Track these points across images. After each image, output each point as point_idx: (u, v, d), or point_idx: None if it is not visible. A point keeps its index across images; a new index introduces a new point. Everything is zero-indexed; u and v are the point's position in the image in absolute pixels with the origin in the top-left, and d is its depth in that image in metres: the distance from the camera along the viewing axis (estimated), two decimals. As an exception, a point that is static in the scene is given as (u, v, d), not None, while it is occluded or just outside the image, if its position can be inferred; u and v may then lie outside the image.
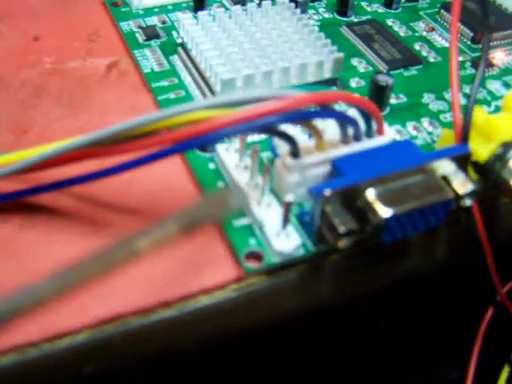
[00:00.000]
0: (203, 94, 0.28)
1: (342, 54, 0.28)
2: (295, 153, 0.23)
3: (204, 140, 0.20)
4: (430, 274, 0.25)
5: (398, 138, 0.27)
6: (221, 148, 0.25)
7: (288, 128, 0.22)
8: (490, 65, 0.32)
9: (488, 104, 0.30)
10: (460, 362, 0.29)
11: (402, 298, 0.26)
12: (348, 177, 0.22)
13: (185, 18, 0.30)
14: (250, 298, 0.22)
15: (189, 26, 0.29)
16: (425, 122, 0.28)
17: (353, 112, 0.24)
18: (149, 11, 0.34)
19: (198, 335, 0.21)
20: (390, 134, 0.24)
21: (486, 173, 0.24)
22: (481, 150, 0.24)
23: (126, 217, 0.23)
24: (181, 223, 0.19)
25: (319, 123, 0.23)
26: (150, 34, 0.32)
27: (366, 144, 0.23)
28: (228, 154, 0.25)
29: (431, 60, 0.32)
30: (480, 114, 0.25)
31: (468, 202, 0.23)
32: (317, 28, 0.29)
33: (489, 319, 0.29)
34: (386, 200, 0.21)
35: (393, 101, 0.29)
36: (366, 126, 0.24)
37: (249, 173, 0.24)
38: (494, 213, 0.26)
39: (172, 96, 0.29)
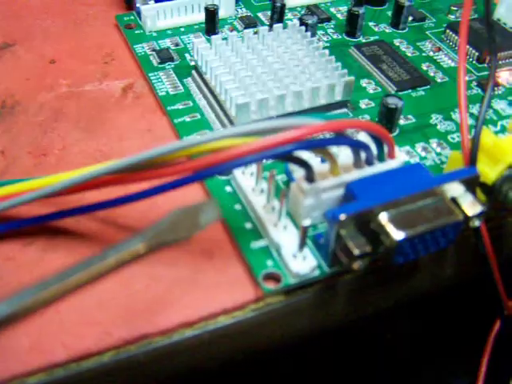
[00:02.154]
0: (218, 117, 0.29)
1: (352, 78, 0.29)
2: (310, 177, 0.24)
3: (223, 168, 0.21)
4: (439, 290, 0.26)
5: (408, 160, 0.28)
6: (237, 172, 0.26)
7: (303, 153, 0.23)
8: (495, 84, 0.33)
9: (494, 124, 0.30)
10: (469, 374, 0.30)
11: (412, 315, 0.27)
12: (361, 201, 0.22)
13: (198, 42, 0.30)
14: (268, 318, 0.23)
15: (203, 50, 0.30)
16: (433, 142, 0.29)
17: (364, 136, 0.24)
18: (162, 33, 0.35)
19: (218, 354, 0.22)
20: (401, 157, 0.25)
21: (493, 194, 0.25)
22: (488, 171, 0.25)
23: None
24: (147, 240, 0.19)
25: (333, 148, 0.24)
26: (165, 56, 0.33)
27: (378, 168, 0.24)
28: (244, 177, 0.26)
29: (438, 80, 0.33)
30: (487, 136, 0.25)
31: (477, 223, 0.24)
32: (327, 51, 0.30)
33: (496, 331, 0.30)
34: (398, 223, 0.22)
35: (401, 122, 0.30)
36: (377, 150, 0.24)
37: (265, 196, 0.25)
38: (501, 231, 0.27)
39: (187, 119, 0.29)
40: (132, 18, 0.37)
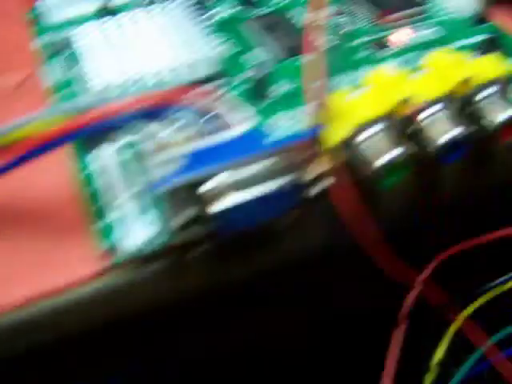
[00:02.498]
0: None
1: (219, 50, 0.29)
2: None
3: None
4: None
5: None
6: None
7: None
8: (385, 45, 0.32)
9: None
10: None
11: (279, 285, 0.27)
12: (191, 169, 0.23)
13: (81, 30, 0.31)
14: (112, 291, 0.23)
15: (80, 40, 0.31)
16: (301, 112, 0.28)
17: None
18: (63, 24, 0.36)
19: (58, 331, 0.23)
20: (245, 124, 0.25)
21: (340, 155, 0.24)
22: (338, 130, 0.24)
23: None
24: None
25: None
26: (60, 47, 0.34)
27: (219, 137, 0.24)
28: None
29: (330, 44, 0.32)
30: (340, 97, 0.25)
31: (322, 185, 0.24)
32: (202, 26, 0.30)
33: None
34: (225, 190, 0.22)
35: (280, 89, 0.30)
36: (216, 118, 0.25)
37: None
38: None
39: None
40: (36, 12, 0.37)
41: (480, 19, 0.34)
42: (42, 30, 0.36)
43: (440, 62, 0.26)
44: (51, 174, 0.26)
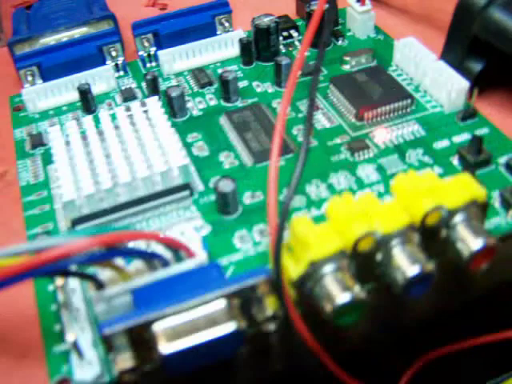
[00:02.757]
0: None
1: (187, 161, 0.28)
2: (100, 285, 0.23)
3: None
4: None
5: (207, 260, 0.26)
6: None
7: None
8: (365, 146, 0.31)
9: (353, 192, 0.29)
10: None
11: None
12: (136, 312, 0.22)
13: (53, 130, 0.31)
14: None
15: (54, 140, 0.30)
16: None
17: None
18: (44, 115, 0.36)
19: None
20: (201, 256, 0.24)
21: (299, 292, 0.24)
22: (292, 268, 0.23)
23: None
24: None
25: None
26: (36, 142, 0.34)
27: (170, 270, 0.24)
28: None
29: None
30: (300, 224, 0.24)
31: (271, 327, 0.23)
32: (172, 130, 0.30)
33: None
34: (169, 335, 0.21)
35: (247, 201, 0.29)
36: (173, 254, 0.24)
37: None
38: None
39: (37, 211, 0.30)
40: (22, 98, 0.37)
41: (468, 114, 0.32)
42: (22, 121, 0.36)
43: (405, 189, 0.25)
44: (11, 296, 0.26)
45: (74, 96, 0.36)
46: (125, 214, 0.28)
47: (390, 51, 0.37)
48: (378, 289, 0.24)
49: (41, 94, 0.36)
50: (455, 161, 0.30)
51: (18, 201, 0.31)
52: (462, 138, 0.31)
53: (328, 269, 0.23)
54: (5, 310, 0.26)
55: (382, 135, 0.32)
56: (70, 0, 0.40)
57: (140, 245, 0.24)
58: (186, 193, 0.29)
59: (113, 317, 0.22)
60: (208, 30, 0.38)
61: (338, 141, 0.32)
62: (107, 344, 0.21)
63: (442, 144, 0.31)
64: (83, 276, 0.23)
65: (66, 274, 0.23)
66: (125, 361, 0.21)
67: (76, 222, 0.28)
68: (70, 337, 0.22)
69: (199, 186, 0.30)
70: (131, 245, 0.23)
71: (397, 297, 0.24)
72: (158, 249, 0.24)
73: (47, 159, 0.33)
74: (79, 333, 0.24)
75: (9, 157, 0.34)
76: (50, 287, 0.26)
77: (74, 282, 0.26)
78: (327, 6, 0.29)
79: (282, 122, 0.25)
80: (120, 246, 0.22)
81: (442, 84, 0.33)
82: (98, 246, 0.22)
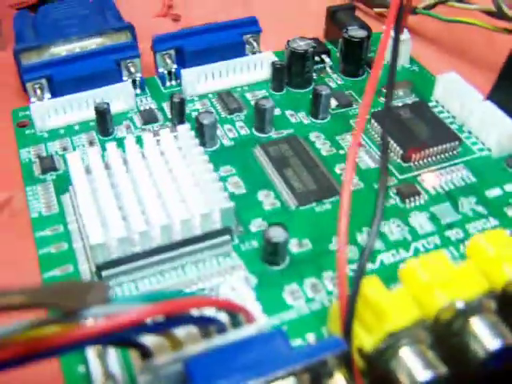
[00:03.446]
0: (85, 249, 0.26)
1: (231, 205, 0.25)
2: (146, 354, 0.20)
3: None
4: None
5: (269, 324, 0.24)
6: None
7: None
8: (416, 192, 0.29)
9: (406, 247, 0.26)
10: None
11: None
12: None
13: (72, 157, 0.27)
14: None
15: (74, 168, 0.27)
16: (327, 277, 0.25)
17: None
18: (53, 133, 0.32)
19: None
20: (261, 321, 0.21)
21: (371, 364, 0.21)
22: (365, 338, 0.21)
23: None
24: (26, 292, 0.17)
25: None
26: (47, 166, 0.30)
27: (228, 338, 0.21)
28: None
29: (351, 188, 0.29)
30: (371, 287, 0.22)
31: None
32: (211, 166, 0.26)
33: None
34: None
35: (294, 249, 0.26)
36: (230, 317, 0.21)
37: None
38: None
39: (53, 250, 0.26)
40: (28, 113, 0.33)
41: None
42: (28, 139, 0.32)
43: (483, 253, 0.22)
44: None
45: (87, 114, 0.32)
46: (158, 259, 0.25)
47: (428, 84, 0.35)
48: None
49: (51, 111, 0.32)
50: (510, 212, 0.28)
51: (28, 235, 0.27)
52: (514, 187, 0.30)
53: (406, 341, 0.20)
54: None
55: (432, 179, 0.30)
56: (81, 6, 0.36)
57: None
58: (226, 237, 0.26)
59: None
60: (236, 50, 0.35)
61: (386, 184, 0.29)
62: None
63: (493, 192, 0.29)
64: (131, 344, 0.20)
65: (121, 343, 0.19)
66: None
67: (102, 267, 0.25)
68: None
69: (239, 229, 0.27)
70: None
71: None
72: (211, 312, 0.21)
73: (61, 186, 0.29)
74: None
75: (15, 181, 0.30)
76: (81, 368, 0.23)
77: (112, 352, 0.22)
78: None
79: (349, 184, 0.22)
80: (180, 314, 0.19)
81: (490, 126, 0.31)
82: (158, 315, 0.19)
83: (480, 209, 0.28)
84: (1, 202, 0.29)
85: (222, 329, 0.21)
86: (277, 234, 0.25)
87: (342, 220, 0.22)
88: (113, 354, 0.22)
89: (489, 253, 0.22)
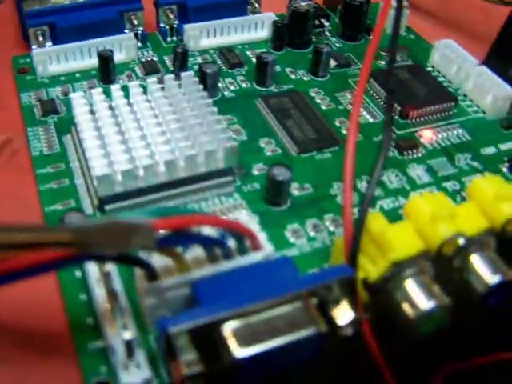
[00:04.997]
0: (86, 184, 0.26)
1: (235, 144, 0.25)
2: (152, 275, 0.20)
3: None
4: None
5: (280, 251, 0.24)
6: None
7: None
8: (413, 146, 0.29)
9: (405, 194, 0.27)
10: None
11: None
12: (203, 309, 0.19)
13: (76, 97, 0.27)
14: None
15: (78, 106, 0.27)
16: (328, 219, 0.25)
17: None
18: (54, 80, 0.32)
19: None
20: (267, 248, 0.22)
21: (376, 294, 0.21)
22: (370, 268, 0.21)
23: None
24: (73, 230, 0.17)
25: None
26: (48, 108, 0.30)
27: (236, 262, 0.21)
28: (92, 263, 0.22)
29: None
30: (376, 221, 0.22)
31: (349, 331, 0.20)
32: (215, 109, 0.27)
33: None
34: (243, 338, 0.19)
35: (296, 192, 0.26)
36: (237, 242, 0.21)
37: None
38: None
39: (54, 185, 0.26)
40: (28, 60, 0.33)
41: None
42: (29, 85, 0.32)
43: (483, 194, 0.23)
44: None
45: (89, 63, 0.33)
46: (161, 196, 0.25)
47: (423, 52, 0.36)
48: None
49: (52, 57, 0.32)
50: (505, 169, 0.29)
51: (29, 172, 0.27)
52: (508, 146, 0.30)
53: (410, 271, 0.21)
54: (26, 301, 0.23)
55: (429, 136, 0.30)
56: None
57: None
58: (229, 178, 0.26)
59: (172, 316, 0.19)
60: (238, 9, 0.36)
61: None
62: (168, 345, 0.18)
63: (488, 151, 0.30)
64: (139, 263, 0.20)
65: (121, 259, 0.20)
66: (191, 365, 0.18)
67: (106, 201, 0.25)
68: (126, 335, 0.19)
69: (242, 171, 0.27)
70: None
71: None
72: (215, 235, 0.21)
73: (62, 129, 0.29)
74: (120, 330, 0.21)
75: (15, 123, 0.30)
76: (77, 273, 0.23)
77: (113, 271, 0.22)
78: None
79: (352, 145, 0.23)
80: (188, 231, 0.20)
81: (485, 90, 0.32)
82: (166, 230, 0.19)
83: (475, 164, 0.29)
84: (2, 142, 0.29)
85: (228, 254, 0.21)
86: (280, 173, 0.25)
87: (348, 152, 0.22)
88: (115, 273, 0.22)
89: (488, 193, 0.23)
